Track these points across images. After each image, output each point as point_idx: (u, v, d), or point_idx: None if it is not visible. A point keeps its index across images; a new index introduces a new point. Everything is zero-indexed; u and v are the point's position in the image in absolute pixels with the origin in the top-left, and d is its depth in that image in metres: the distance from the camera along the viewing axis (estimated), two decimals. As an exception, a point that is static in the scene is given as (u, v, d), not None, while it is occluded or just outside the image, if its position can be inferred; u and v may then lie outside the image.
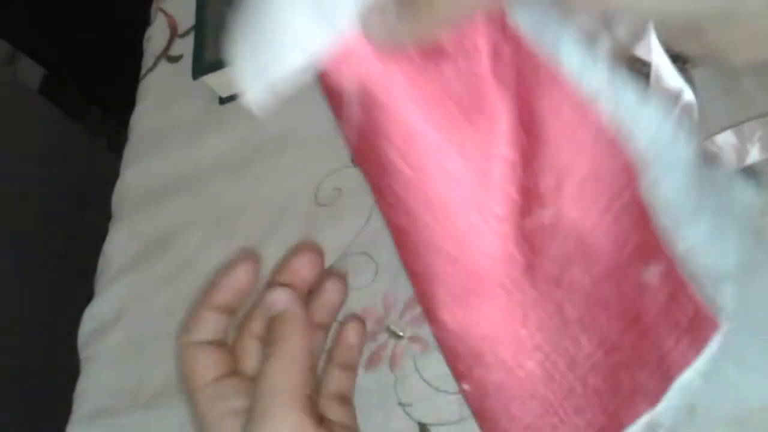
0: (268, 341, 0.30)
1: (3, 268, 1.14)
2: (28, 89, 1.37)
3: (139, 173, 0.59)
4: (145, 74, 0.66)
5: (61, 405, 0.52)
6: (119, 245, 0.56)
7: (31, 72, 1.41)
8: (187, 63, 0.62)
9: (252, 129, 0.55)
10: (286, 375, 0.28)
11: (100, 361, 0.51)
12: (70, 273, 1.19)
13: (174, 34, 0.66)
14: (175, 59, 0.64)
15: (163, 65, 0.65)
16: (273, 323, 0.31)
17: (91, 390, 0.50)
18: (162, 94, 0.63)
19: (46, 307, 1.20)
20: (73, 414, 0.50)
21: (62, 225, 1.30)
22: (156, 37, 0.67)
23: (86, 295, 0.56)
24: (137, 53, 0.68)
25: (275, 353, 0.29)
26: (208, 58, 0.55)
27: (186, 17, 0.66)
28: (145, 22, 0.70)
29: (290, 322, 0.30)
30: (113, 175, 0.61)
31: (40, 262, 1.24)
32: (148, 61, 0.67)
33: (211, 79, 0.56)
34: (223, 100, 0.58)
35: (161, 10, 0.69)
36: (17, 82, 1.35)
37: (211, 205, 0.53)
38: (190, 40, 0.63)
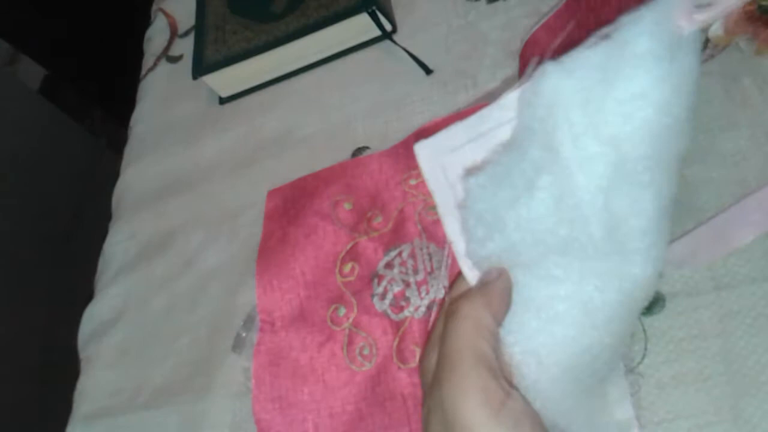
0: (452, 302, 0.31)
1: (3, 268, 1.14)
2: (28, 89, 1.37)
3: (139, 173, 0.59)
4: (145, 74, 0.66)
5: (61, 405, 0.52)
6: (119, 245, 0.56)
7: (31, 72, 1.41)
8: (187, 63, 0.62)
9: (252, 129, 0.55)
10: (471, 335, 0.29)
11: (100, 361, 0.50)
12: (70, 273, 1.19)
13: (174, 34, 0.66)
14: (175, 59, 0.64)
15: (163, 65, 0.65)
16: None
17: (91, 390, 0.50)
18: (162, 94, 0.63)
19: (46, 307, 1.20)
20: (73, 414, 0.50)
21: (62, 225, 1.30)
22: (156, 37, 0.67)
23: (86, 295, 0.56)
24: (137, 53, 0.68)
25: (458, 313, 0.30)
26: (208, 58, 0.55)
27: (186, 17, 0.66)
28: (145, 22, 0.70)
29: (499, 289, 0.31)
30: (113, 175, 0.61)
31: (40, 262, 1.24)
32: (148, 61, 0.67)
33: (211, 79, 0.56)
34: (223, 100, 0.58)
35: (161, 10, 0.69)
36: (17, 82, 1.35)
37: (211, 205, 0.53)
38: (190, 40, 0.63)
